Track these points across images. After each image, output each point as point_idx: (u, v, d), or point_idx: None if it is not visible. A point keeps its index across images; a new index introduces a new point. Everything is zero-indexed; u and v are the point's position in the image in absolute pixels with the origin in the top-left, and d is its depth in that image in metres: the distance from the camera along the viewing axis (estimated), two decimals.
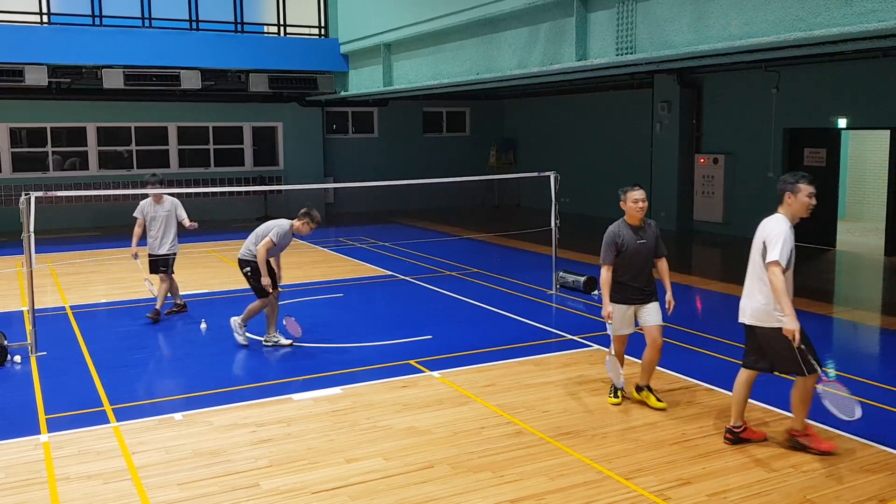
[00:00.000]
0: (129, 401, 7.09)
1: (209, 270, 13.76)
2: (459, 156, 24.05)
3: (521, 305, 10.75)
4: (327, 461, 5.74)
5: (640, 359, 6.96)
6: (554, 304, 10.91)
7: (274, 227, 8.51)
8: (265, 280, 8.48)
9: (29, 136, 19.53)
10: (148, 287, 10.14)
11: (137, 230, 10.05)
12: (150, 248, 10.10)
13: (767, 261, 5.51)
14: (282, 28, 19.42)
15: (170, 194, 10.23)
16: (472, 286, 12.08)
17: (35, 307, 8.69)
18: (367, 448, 5.96)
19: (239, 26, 18.94)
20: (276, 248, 8.57)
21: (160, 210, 10.00)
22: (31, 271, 8.61)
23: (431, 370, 7.88)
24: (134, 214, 10.06)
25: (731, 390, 7.15)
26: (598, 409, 6.73)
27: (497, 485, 5.31)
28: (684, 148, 17.93)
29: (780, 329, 5.50)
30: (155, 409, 6.88)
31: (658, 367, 7.88)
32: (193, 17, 18.37)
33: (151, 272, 10.17)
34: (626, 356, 7.05)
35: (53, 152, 19.60)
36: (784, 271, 5.48)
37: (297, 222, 8.55)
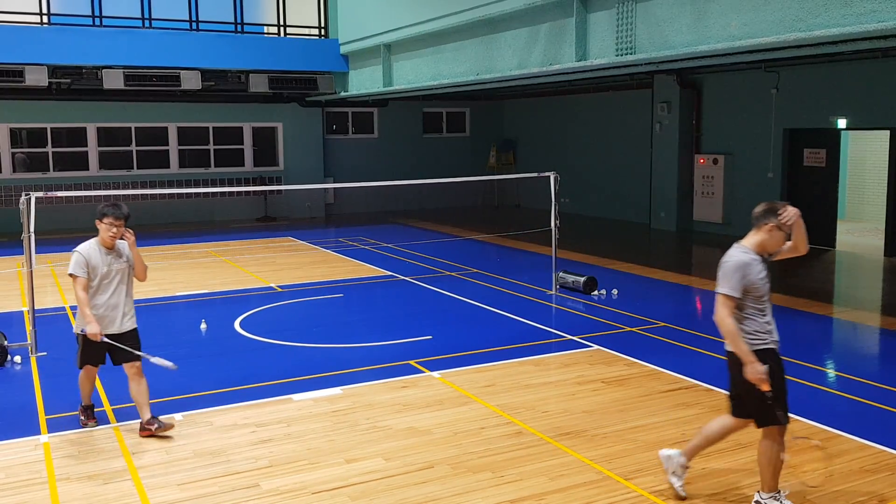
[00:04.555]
0: (129, 401, 7.06)
1: (209, 271, 13.76)
2: (459, 156, 24.06)
3: (520, 305, 10.75)
4: (327, 461, 5.74)
5: None
6: (554, 305, 10.91)
7: (727, 265, 4.76)
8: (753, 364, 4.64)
9: (29, 137, 19.53)
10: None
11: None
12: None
13: None
14: (282, 28, 19.43)
15: (170, 195, 9.73)
16: (472, 286, 12.08)
17: (35, 307, 8.70)
18: (367, 448, 5.97)
19: (239, 27, 18.94)
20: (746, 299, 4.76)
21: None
22: (32, 271, 8.61)
23: (431, 370, 7.88)
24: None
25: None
26: (598, 409, 6.73)
27: (497, 485, 5.32)
28: (684, 148, 17.93)
29: None
30: (155, 409, 6.85)
31: (658, 368, 7.92)
32: (193, 18, 18.37)
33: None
34: None
35: (54, 153, 19.59)
36: None
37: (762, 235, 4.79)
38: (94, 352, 6.28)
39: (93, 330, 6.07)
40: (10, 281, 12.79)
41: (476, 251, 15.82)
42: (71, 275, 6.19)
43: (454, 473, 5.51)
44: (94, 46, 16.70)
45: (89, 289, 6.19)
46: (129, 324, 6.41)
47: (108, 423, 6.57)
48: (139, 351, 6.37)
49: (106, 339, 6.14)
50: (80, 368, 6.41)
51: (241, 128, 21.39)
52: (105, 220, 6.22)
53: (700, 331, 9.26)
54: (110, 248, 6.31)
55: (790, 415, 4.85)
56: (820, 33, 7.85)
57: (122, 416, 6.70)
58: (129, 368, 6.32)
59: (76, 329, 6.37)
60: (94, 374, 6.47)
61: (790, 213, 4.76)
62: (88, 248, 6.25)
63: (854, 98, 14.49)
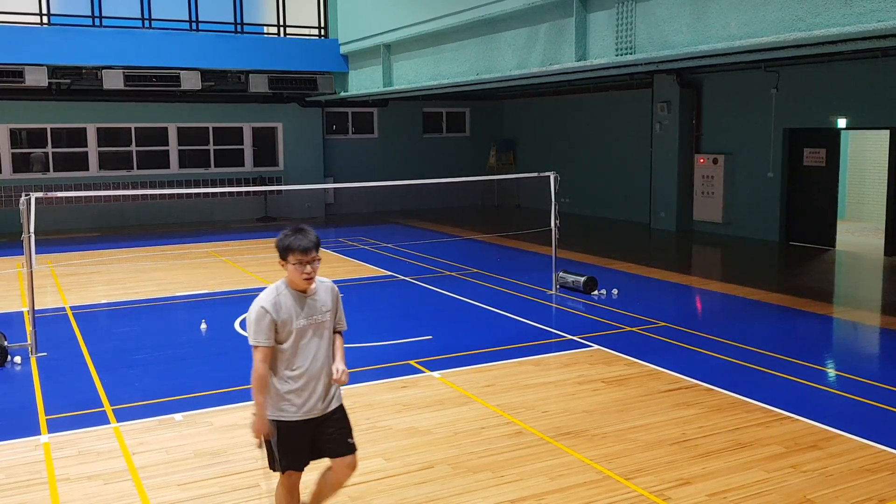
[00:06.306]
0: (129, 401, 7.09)
1: (209, 271, 13.76)
2: (459, 156, 24.06)
3: (521, 305, 10.75)
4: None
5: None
6: (554, 305, 10.91)
7: None
8: None
9: (29, 137, 19.53)
10: None
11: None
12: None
13: None
14: (281, 29, 19.43)
15: (170, 195, 9.51)
16: (472, 286, 12.08)
17: (35, 308, 8.69)
18: (367, 448, 5.96)
19: (239, 27, 18.94)
20: None
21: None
22: (31, 272, 8.61)
23: (431, 370, 7.88)
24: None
25: (730, 390, 7.18)
26: (598, 409, 6.73)
27: (497, 485, 5.31)
28: (684, 148, 17.93)
29: None
30: (155, 409, 6.87)
31: (658, 367, 7.92)
32: (193, 18, 18.37)
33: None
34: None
35: (54, 153, 19.59)
36: None
37: None
38: (297, 445, 4.27)
39: (258, 427, 4.22)
40: (10, 281, 12.79)
41: (476, 251, 15.81)
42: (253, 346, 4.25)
43: (454, 473, 5.51)
44: (93, 46, 16.70)
45: (279, 354, 4.28)
46: (336, 400, 4.37)
47: (108, 423, 6.56)
48: (350, 438, 4.43)
49: (275, 442, 4.23)
50: (280, 471, 4.33)
51: (241, 128, 21.39)
52: (291, 258, 4.11)
53: (700, 331, 9.26)
54: (305, 292, 4.23)
55: None
56: (820, 33, 7.85)
57: (122, 416, 6.70)
58: (338, 462, 4.39)
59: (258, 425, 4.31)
60: (298, 483, 4.42)
61: None
62: (275, 298, 4.18)
63: (854, 98, 14.48)
